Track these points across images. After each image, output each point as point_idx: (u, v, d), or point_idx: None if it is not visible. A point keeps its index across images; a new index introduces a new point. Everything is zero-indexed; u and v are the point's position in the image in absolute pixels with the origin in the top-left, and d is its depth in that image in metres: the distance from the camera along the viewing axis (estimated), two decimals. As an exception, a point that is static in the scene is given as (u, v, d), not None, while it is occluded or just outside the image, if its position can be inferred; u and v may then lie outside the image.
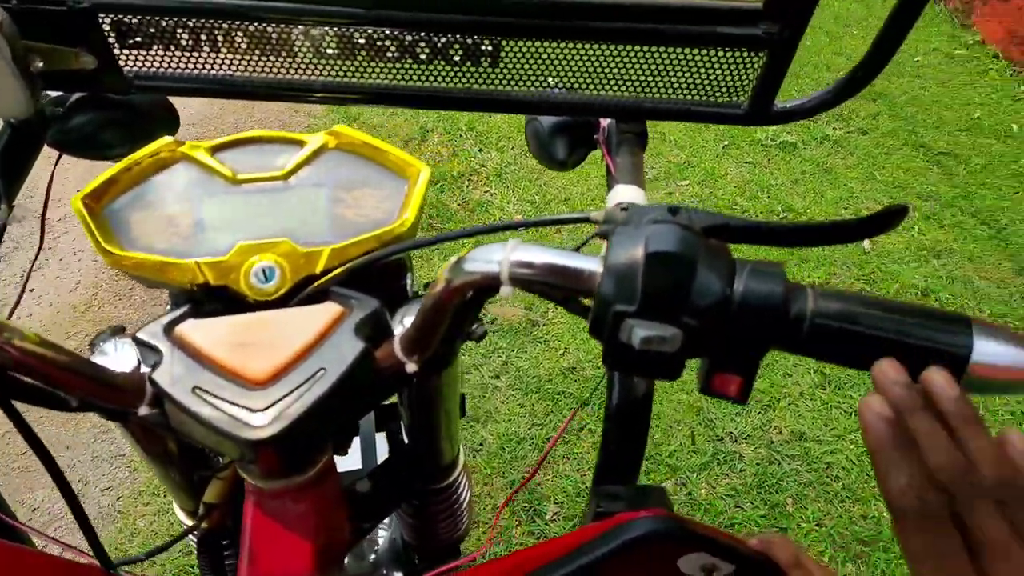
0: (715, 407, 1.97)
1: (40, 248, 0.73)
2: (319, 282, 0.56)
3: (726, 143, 3.01)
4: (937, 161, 2.88)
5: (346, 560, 1.01)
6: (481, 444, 1.91)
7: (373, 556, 1.10)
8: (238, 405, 0.50)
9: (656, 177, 2.83)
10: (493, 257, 0.45)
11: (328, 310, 0.54)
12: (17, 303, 0.67)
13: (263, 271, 0.57)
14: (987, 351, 0.39)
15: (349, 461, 0.93)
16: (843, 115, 3.14)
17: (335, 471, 0.61)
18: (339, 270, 0.56)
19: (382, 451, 0.94)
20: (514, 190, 2.77)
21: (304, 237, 0.58)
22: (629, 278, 0.41)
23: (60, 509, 1.78)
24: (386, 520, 1.10)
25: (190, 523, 0.75)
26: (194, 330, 0.53)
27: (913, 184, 2.76)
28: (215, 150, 0.60)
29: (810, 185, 2.76)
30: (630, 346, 0.40)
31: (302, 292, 0.57)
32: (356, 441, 1.00)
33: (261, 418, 0.49)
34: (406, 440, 0.81)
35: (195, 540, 0.75)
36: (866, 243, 2.50)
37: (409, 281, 0.72)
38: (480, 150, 2.97)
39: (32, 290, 2.37)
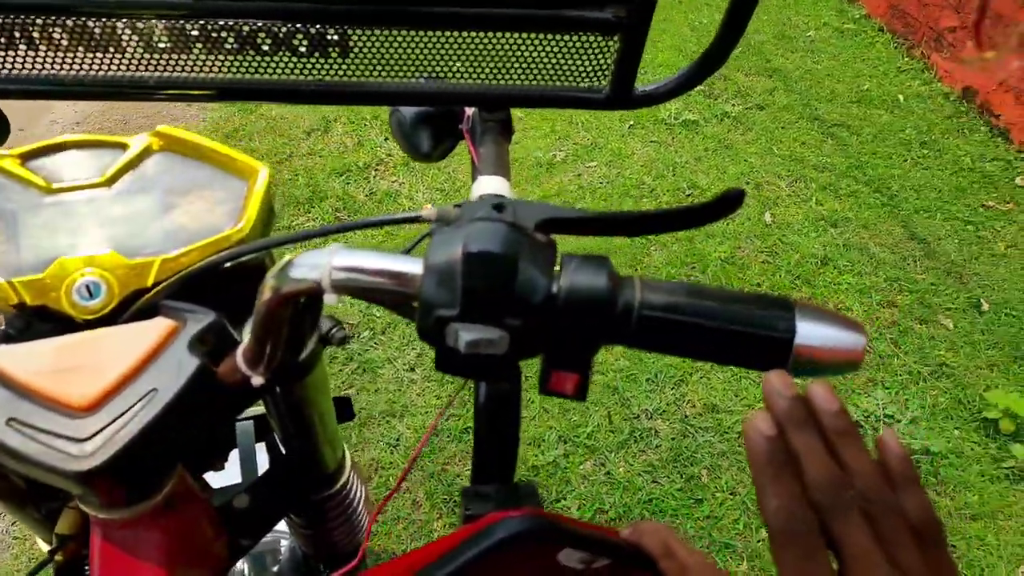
0: (631, 386, 1.99)
1: None
2: (147, 296, 0.52)
3: (631, 123, 3.04)
4: (831, 133, 2.99)
5: (245, 574, 0.97)
6: (398, 439, 1.88)
7: (276, 568, 1.07)
8: (60, 436, 0.46)
9: (564, 160, 2.84)
10: (315, 262, 0.42)
11: (159, 326, 0.51)
12: None
13: (87, 287, 0.52)
14: (809, 333, 0.39)
15: (227, 475, 0.89)
16: (741, 92, 3.22)
17: (193, 491, 0.57)
18: (167, 283, 0.52)
19: (263, 462, 0.90)
20: (422, 179, 2.73)
21: (132, 248, 0.54)
22: (449, 280, 0.39)
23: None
24: (285, 529, 1.06)
25: None
26: (7, 357, 0.49)
27: (809, 156, 2.85)
28: (25, 158, 0.55)
29: (713, 162, 2.82)
30: (458, 350, 0.39)
31: (131, 308, 0.53)
32: (235, 454, 0.96)
33: (85, 448, 0.46)
34: (283, 451, 0.77)
35: (53, 572, 0.70)
36: (767, 215, 2.57)
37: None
38: (386, 139, 2.92)
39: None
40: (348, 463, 0.81)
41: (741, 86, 3.27)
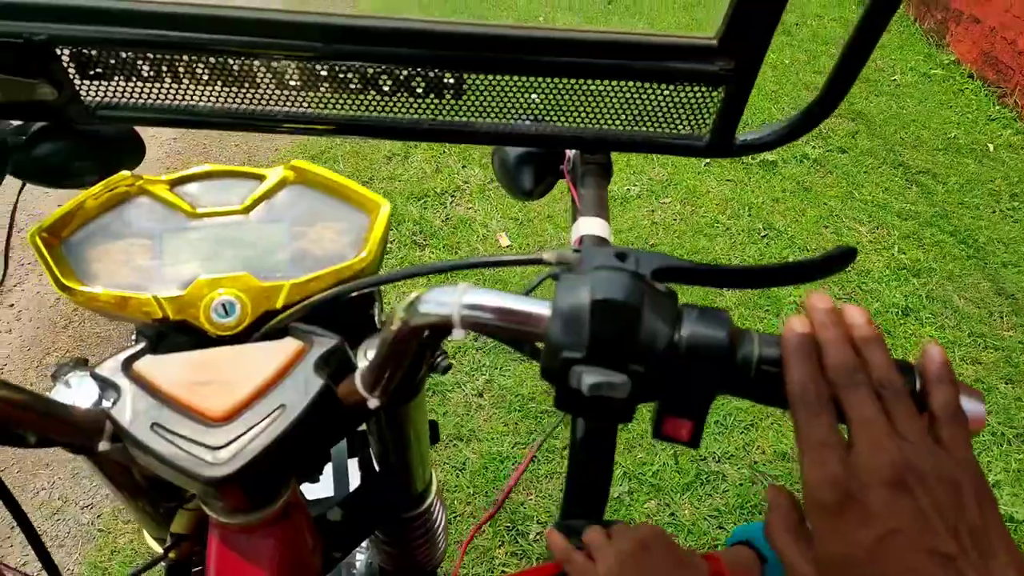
0: (696, 426, 1.97)
1: (4, 275, 0.73)
2: (279, 318, 0.56)
3: (707, 161, 3.03)
4: (916, 180, 2.92)
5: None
6: (464, 463, 1.90)
7: (352, 582, 1.10)
8: (197, 443, 0.50)
9: (639, 195, 2.85)
10: (445, 300, 0.45)
11: (288, 346, 0.54)
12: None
13: (223, 306, 0.57)
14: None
15: (321, 488, 0.93)
16: (822, 134, 3.18)
17: (301, 503, 0.61)
18: (298, 307, 0.56)
19: (355, 477, 0.94)
20: (497, 207, 2.78)
21: (264, 272, 0.58)
22: (577, 324, 0.41)
23: (39, 527, 1.76)
24: (364, 544, 1.10)
25: (161, 551, 0.75)
26: (153, 366, 0.53)
27: (892, 203, 2.79)
28: (174, 184, 0.60)
29: (791, 204, 2.78)
30: (580, 391, 0.41)
31: (262, 327, 0.57)
32: (328, 468, 1.00)
33: (219, 455, 0.49)
34: (376, 468, 0.80)
35: (165, 569, 0.75)
36: (846, 261, 2.52)
37: (376, 311, 0.72)
38: (463, 167, 2.99)
39: (12, 305, 2.35)
40: (435, 485, 0.84)
41: (822, 128, 3.23)
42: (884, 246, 2.59)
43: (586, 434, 0.60)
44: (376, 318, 0.72)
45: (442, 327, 0.46)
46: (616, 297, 0.41)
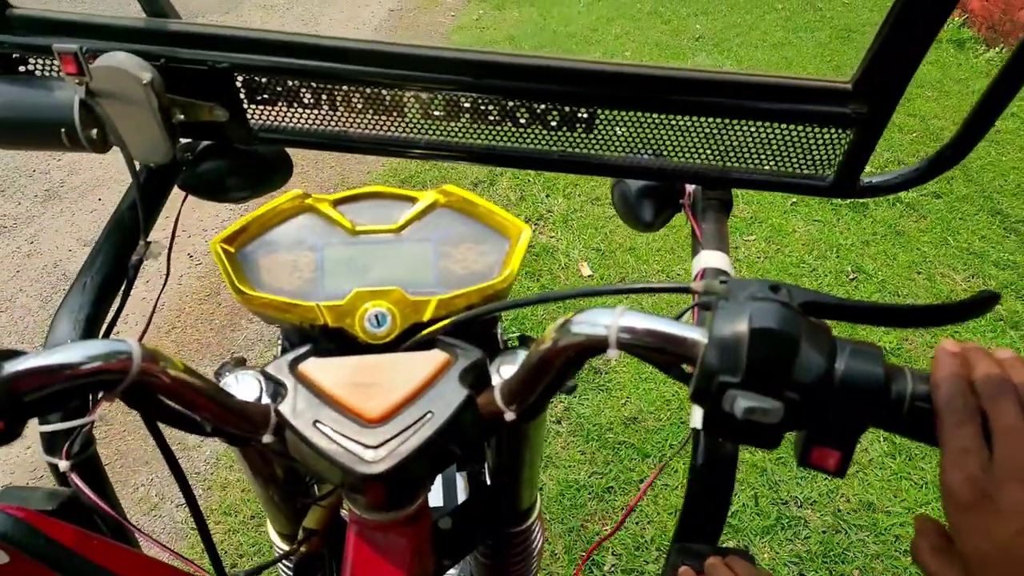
0: (779, 469, 1.93)
1: (166, 280, 0.80)
2: (429, 330, 0.61)
3: (794, 200, 3.00)
4: (1015, 229, 2.81)
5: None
6: (541, 489, 1.91)
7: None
8: (354, 440, 0.54)
9: (723, 231, 2.83)
10: (601, 321, 0.48)
11: (436, 357, 0.58)
12: (145, 330, 0.74)
13: (376, 317, 0.61)
14: None
15: (431, 497, 0.96)
16: (917, 177, 3.10)
17: (429, 509, 0.64)
18: (447, 321, 0.60)
19: (462, 490, 0.97)
20: (579, 236, 2.81)
21: (413, 287, 0.63)
22: (734, 350, 0.43)
23: (137, 521, 1.86)
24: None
25: (284, 546, 0.79)
26: (316, 368, 0.58)
27: (989, 252, 2.69)
28: (337, 203, 0.65)
29: (881, 247, 2.72)
30: (732, 415, 0.43)
31: (410, 338, 0.61)
32: (438, 479, 1.04)
33: (374, 454, 0.53)
34: (488, 481, 0.83)
35: (290, 564, 0.79)
36: (939, 309, 2.44)
37: (499, 330, 0.76)
38: (547, 196, 3.04)
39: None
40: (539, 505, 0.87)
41: (915, 172, 3.15)
42: (980, 295, 2.50)
43: (707, 459, 0.61)
44: (499, 336, 0.76)
45: (597, 347, 0.49)
46: (775, 326, 0.43)
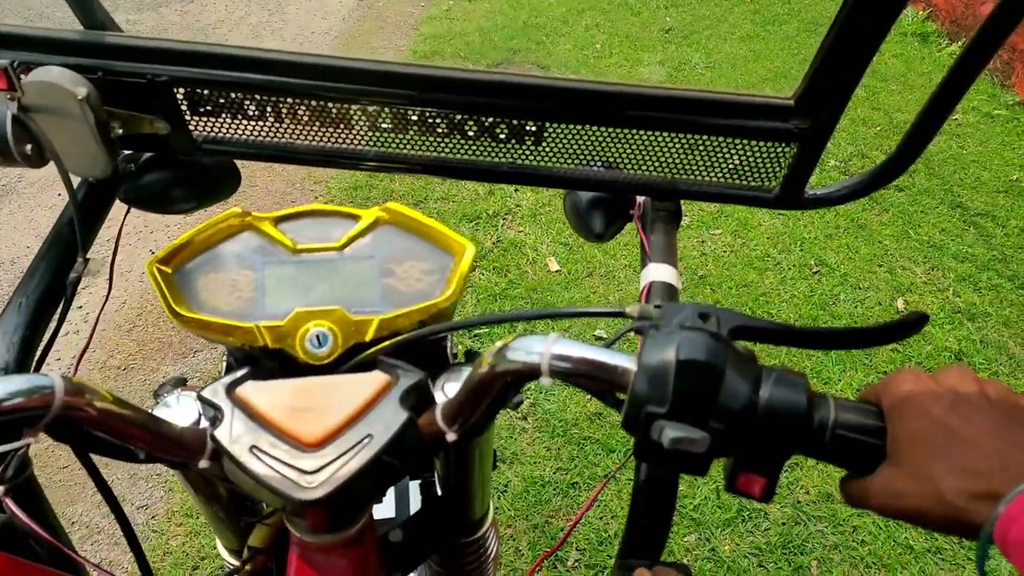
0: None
1: (108, 294, 0.78)
2: (370, 351, 0.60)
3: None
4: (974, 222, 2.87)
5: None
6: (506, 485, 1.92)
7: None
8: (291, 466, 0.54)
9: (689, 225, 2.86)
10: (535, 349, 0.48)
11: (376, 379, 0.58)
12: (86, 347, 0.72)
13: (317, 337, 0.61)
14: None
15: (383, 509, 0.96)
16: (880, 171, 3.15)
17: (373, 526, 0.64)
18: (389, 343, 0.60)
19: (415, 500, 0.97)
20: (547, 231, 2.81)
21: (355, 306, 0.62)
22: (661, 381, 0.44)
23: (98, 524, 1.84)
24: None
25: (233, 561, 0.79)
26: (254, 392, 0.57)
27: (949, 244, 2.74)
28: (278, 221, 0.64)
29: (844, 240, 2.76)
30: (660, 444, 0.43)
31: (352, 359, 0.61)
32: (391, 490, 1.03)
33: (310, 480, 0.53)
34: (439, 492, 0.84)
35: None
36: (899, 301, 2.49)
37: (448, 344, 0.75)
38: (516, 190, 3.03)
39: (80, 307, 2.45)
40: (491, 514, 0.87)
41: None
42: (939, 288, 2.55)
43: (649, 478, 0.62)
44: (448, 351, 0.76)
45: (530, 374, 0.49)
46: (701, 358, 0.43)
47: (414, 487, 0.94)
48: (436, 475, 0.84)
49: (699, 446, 0.43)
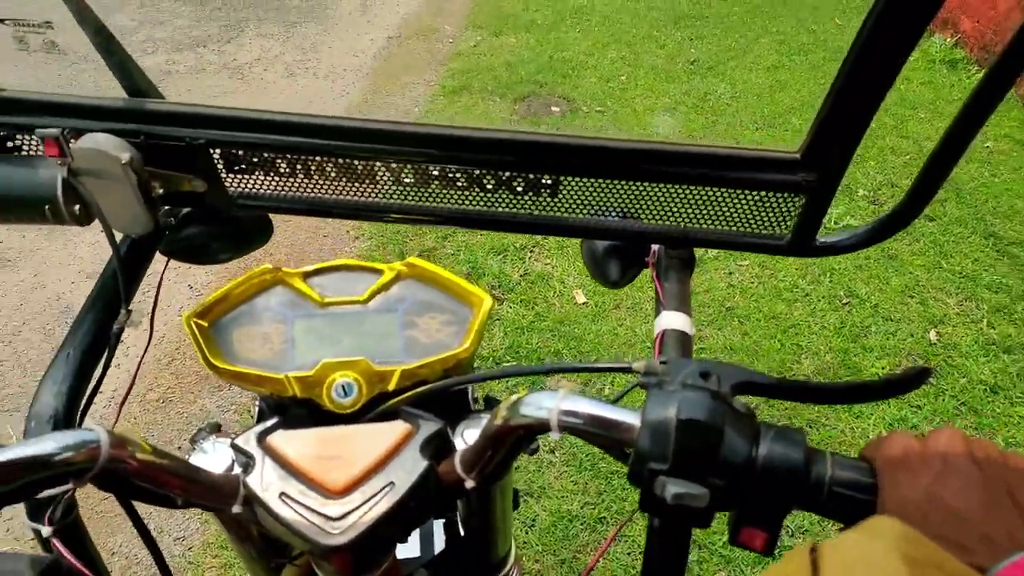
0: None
1: (149, 342, 0.83)
2: (392, 402, 0.63)
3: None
4: (1007, 252, 2.82)
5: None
6: (534, 520, 1.93)
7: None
8: (318, 512, 0.57)
9: (716, 256, 2.86)
10: (545, 404, 0.51)
11: (398, 428, 0.61)
12: (127, 394, 0.76)
13: (343, 387, 0.64)
14: None
15: (408, 549, 0.99)
16: (910, 200, 3.12)
17: (397, 567, 0.67)
18: (410, 394, 0.63)
19: (440, 539, 0.99)
20: (574, 263, 2.84)
21: (379, 356, 0.65)
22: (663, 438, 0.46)
23: (137, 555, 1.89)
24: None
25: None
26: (283, 440, 0.61)
27: (982, 274, 2.71)
28: (307, 276, 0.68)
29: (874, 271, 2.74)
30: (664, 498, 0.45)
31: (375, 408, 0.64)
32: (416, 530, 1.06)
33: (337, 526, 0.56)
34: (462, 532, 0.86)
35: None
36: (932, 333, 2.46)
37: (469, 391, 0.78)
38: (543, 224, 3.06)
39: (122, 342, 2.53)
40: (513, 555, 0.89)
41: (908, 194, 3.17)
42: (973, 319, 2.52)
43: (662, 529, 0.64)
44: (469, 397, 0.78)
45: (540, 428, 0.51)
46: (700, 417, 0.45)
47: (438, 527, 0.96)
48: (459, 516, 0.86)
49: (700, 501, 0.45)
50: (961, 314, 2.55)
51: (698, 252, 2.89)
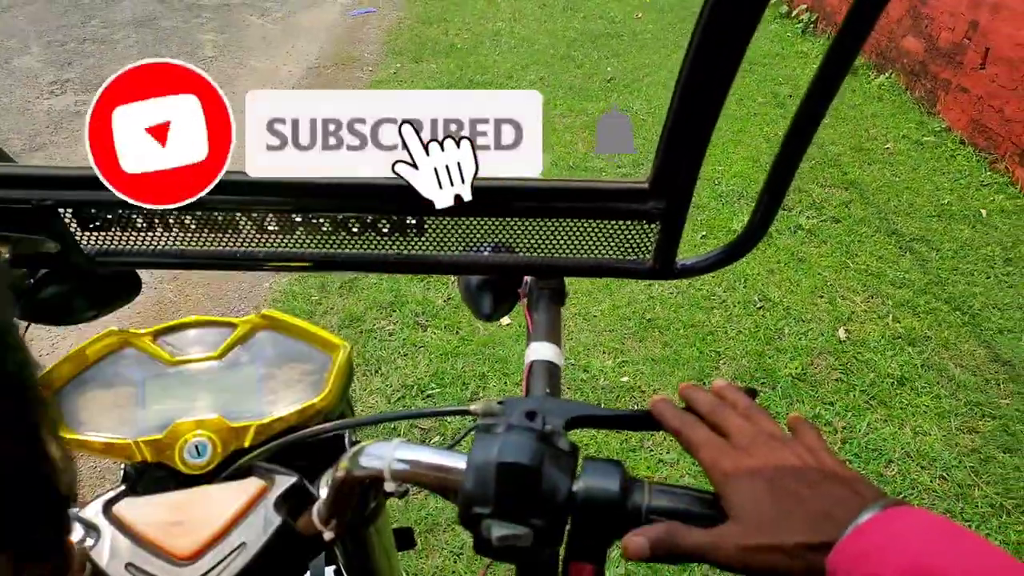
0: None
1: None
2: (243, 460, 0.62)
3: (704, 234, 3.11)
4: (910, 247, 2.96)
5: None
6: (462, 547, 1.92)
7: None
8: None
9: (636, 270, 2.91)
10: (380, 454, 0.51)
11: (250, 486, 0.60)
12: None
13: (196, 447, 0.63)
14: None
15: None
16: (816, 203, 3.25)
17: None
18: (260, 450, 0.62)
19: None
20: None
21: (234, 413, 0.65)
22: (486, 481, 0.47)
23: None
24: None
25: None
26: (129, 508, 0.59)
27: (886, 271, 2.83)
28: (157, 335, 0.67)
29: (785, 275, 2.83)
30: (490, 540, 0.46)
31: (230, 467, 0.63)
32: (307, 576, 1.04)
33: None
34: (347, 579, 0.85)
35: None
36: (841, 331, 2.55)
37: (347, 438, 0.78)
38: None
39: None
40: (407, 594, 0.88)
41: (816, 198, 3.31)
42: (879, 315, 2.63)
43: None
44: (346, 439, 0.78)
45: (378, 479, 0.51)
46: (518, 460, 0.46)
47: (330, 573, 0.95)
48: (341, 564, 0.85)
49: (523, 541, 0.45)
50: (868, 311, 2.66)
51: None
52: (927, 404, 2.26)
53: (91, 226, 0.74)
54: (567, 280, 0.88)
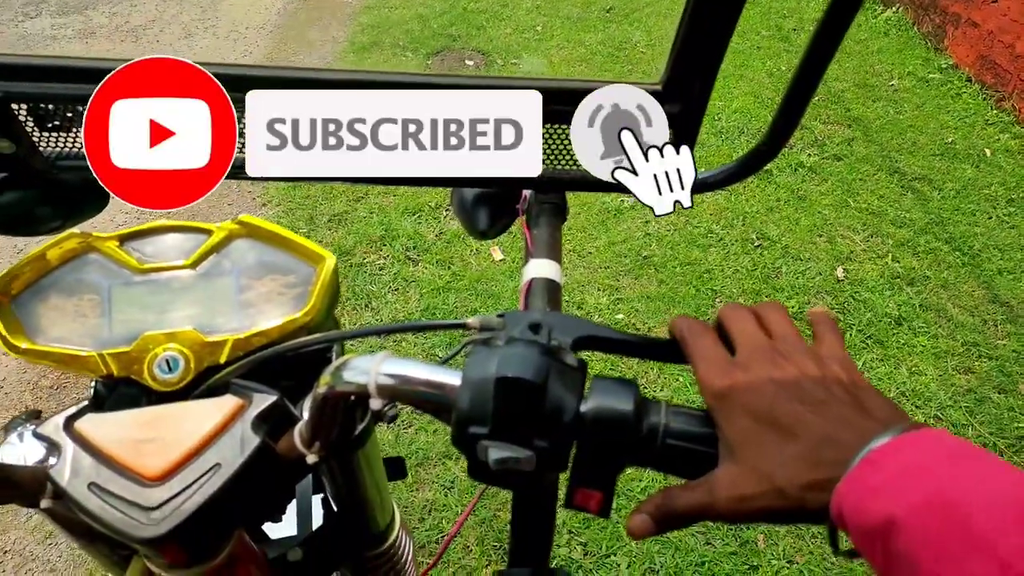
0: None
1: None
2: (219, 375, 0.57)
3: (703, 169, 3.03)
4: (911, 187, 2.90)
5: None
6: (452, 482, 1.90)
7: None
8: (131, 503, 0.51)
9: (633, 206, 2.85)
10: (364, 368, 0.46)
11: (226, 403, 0.55)
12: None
13: (167, 362, 0.58)
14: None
15: (284, 527, 0.94)
16: (818, 141, 3.17)
17: (250, 550, 0.61)
18: (237, 365, 0.57)
19: (318, 515, 0.94)
20: (492, 221, 2.78)
21: (209, 326, 0.59)
22: (483, 399, 0.41)
23: (31, 551, 1.78)
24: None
25: None
26: (93, 425, 0.54)
27: (887, 210, 2.78)
28: (123, 240, 0.61)
29: (785, 213, 2.78)
30: (488, 463, 0.41)
31: (204, 383, 0.58)
32: (292, 506, 1.01)
33: (153, 516, 0.50)
34: (335, 508, 0.81)
35: None
36: (839, 270, 2.51)
37: (333, 355, 0.73)
38: (459, 181, 2.99)
39: None
40: (398, 522, 0.85)
41: (818, 135, 3.22)
42: (878, 255, 2.58)
43: (517, 499, 0.60)
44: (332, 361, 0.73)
45: (363, 394, 0.46)
46: (519, 375, 0.41)
47: (317, 502, 0.91)
48: (328, 492, 0.81)
49: (525, 465, 0.41)
50: (867, 250, 2.61)
51: (614, 204, 2.87)
52: (924, 344, 2.23)
53: (49, 125, 0.67)
54: (567, 195, 0.82)
